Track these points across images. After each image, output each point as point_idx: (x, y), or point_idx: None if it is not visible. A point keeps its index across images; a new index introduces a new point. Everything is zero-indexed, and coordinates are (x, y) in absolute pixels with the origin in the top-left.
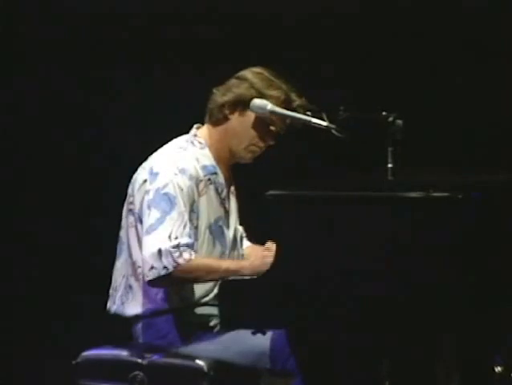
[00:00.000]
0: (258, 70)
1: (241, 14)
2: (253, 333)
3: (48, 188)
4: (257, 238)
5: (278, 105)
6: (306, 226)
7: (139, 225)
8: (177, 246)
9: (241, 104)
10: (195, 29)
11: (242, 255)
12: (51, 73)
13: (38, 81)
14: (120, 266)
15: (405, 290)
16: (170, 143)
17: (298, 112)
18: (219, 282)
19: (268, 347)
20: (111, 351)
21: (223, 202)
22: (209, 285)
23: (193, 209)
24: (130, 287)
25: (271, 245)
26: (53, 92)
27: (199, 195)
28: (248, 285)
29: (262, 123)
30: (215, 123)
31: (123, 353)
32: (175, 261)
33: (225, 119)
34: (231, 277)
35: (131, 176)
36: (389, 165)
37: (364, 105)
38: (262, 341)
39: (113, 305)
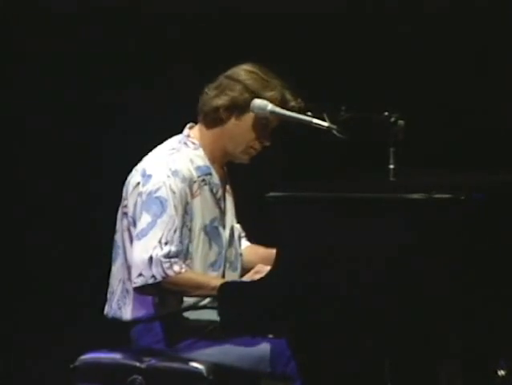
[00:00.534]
0: (250, 68)
1: (239, 13)
2: (254, 336)
3: (47, 189)
4: (257, 240)
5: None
6: (306, 228)
7: (132, 229)
8: (168, 256)
9: (237, 108)
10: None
11: (240, 254)
12: (51, 73)
13: (37, 81)
14: (116, 271)
15: (406, 292)
16: (163, 145)
17: (294, 111)
18: None
19: (268, 351)
20: (110, 355)
21: (218, 202)
22: None
23: (186, 211)
24: (127, 291)
25: (261, 267)
26: (51, 92)
27: (193, 196)
28: (248, 288)
29: (259, 125)
30: (209, 125)
31: (122, 356)
32: (164, 271)
33: (221, 121)
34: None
35: (126, 179)
36: (391, 166)
37: (366, 105)
38: (263, 345)
39: (110, 310)
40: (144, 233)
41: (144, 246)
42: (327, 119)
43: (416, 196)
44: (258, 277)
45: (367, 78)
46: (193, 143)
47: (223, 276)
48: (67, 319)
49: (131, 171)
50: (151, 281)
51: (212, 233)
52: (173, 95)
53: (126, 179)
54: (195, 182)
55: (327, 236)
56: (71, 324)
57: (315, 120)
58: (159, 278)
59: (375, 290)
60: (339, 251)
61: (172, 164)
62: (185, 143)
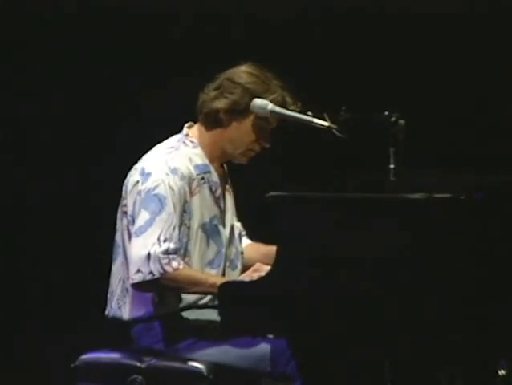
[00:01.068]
0: (251, 70)
1: (240, 12)
2: (254, 336)
3: (47, 189)
4: (258, 239)
5: None
6: (306, 227)
7: (131, 227)
8: (167, 252)
9: (238, 112)
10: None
11: (242, 252)
12: (51, 74)
13: (37, 82)
14: (116, 270)
15: (406, 292)
16: (162, 144)
17: (295, 112)
18: None
19: (268, 350)
20: (110, 355)
21: (217, 201)
22: None
23: (184, 210)
24: (127, 290)
25: (260, 266)
26: (51, 92)
27: (191, 194)
28: (248, 287)
29: (259, 127)
30: (209, 125)
31: (122, 356)
32: (162, 268)
33: (221, 124)
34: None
35: (125, 177)
36: (391, 166)
37: (366, 105)
38: (263, 344)
39: (111, 310)
40: (142, 230)
41: (143, 243)
42: (327, 119)
43: (416, 195)
44: (256, 275)
45: (367, 78)
46: (192, 142)
47: (223, 274)
48: (68, 319)
49: (130, 170)
50: (149, 277)
51: (211, 231)
52: (173, 94)
53: (125, 178)
54: (194, 180)
55: (327, 236)
56: (72, 324)
57: (316, 120)
58: (157, 275)
59: (375, 291)
60: (339, 251)
61: (171, 162)
62: (184, 142)
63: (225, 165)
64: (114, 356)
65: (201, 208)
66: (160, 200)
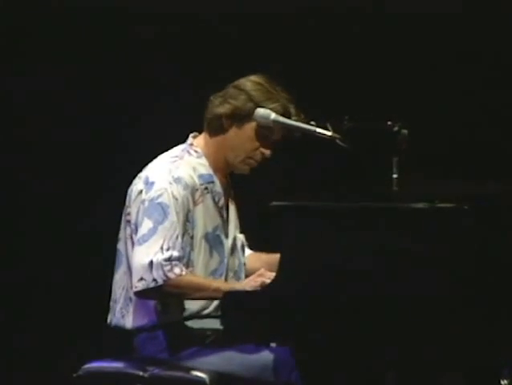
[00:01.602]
0: (257, 79)
1: (241, 22)
2: (257, 345)
3: (49, 197)
4: (260, 249)
5: None
6: (309, 237)
7: (134, 236)
8: (169, 260)
9: (239, 117)
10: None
11: (244, 264)
12: (52, 74)
13: (38, 82)
14: (119, 278)
15: (408, 302)
16: (166, 153)
17: (298, 122)
18: None
19: (272, 360)
20: (113, 364)
21: (220, 211)
22: None
23: (188, 219)
24: (130, 299)
25: (264, 272)
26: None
27: (195, 204)
28: (250, 297)
29: (260, 135)
30: (212, 133)
31: (125, 365)
32: (165, 274)
33: (223, 130)
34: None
35: (129, 186)
36: (394, 176)
37: (369, 115)
38: (266, 353)
39: (113, 318)
40: (145, 239)
41: (145, 251)
42: (330, 129)
43: (419, 205)
44: (260, 280)
45: (370, 87)
46: (196, 152)
47: None
48: (70, 328)
49: (134, 179)
50: (152, 284)
51: (213, 241)
52: (179, 103)
53: (129, 187)
54: (197, 190)
55: (329, 245)
56: (74, 333)
57: (319, 130)
58: (160, 282)
59: (377, 300)
60: (341, 260)
61: (175, 172)
62: (188, 152)
63: (228, 176)
64: (117, 365)
65: (205, 218)
66: (164, 209)
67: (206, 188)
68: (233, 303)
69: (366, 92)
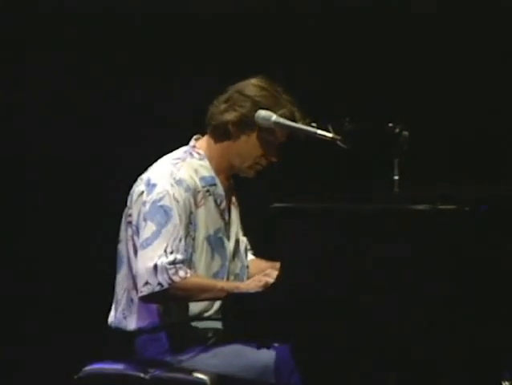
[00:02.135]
0: (261, 83)
1: (244, 20)
2: (258, 347)
3: (48, 198)
4: (262, 252)
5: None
6: (310, 239)
7: (136, 238)
8: (173, 263)
9: (247, 125)
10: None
11: (247, 266)
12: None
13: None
14: (121, 280)
15: (408, 304)
16: (169, 155)
17: (299, 123)
18: None
19: (272, 361)
20: (114, 366)
21: (222, 213)
22: None
23: (190, 221)
24: (131, 301)
25: (270, 272)
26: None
27: (197, 206)
28: (252, 299)
29: (266, 141)
30: (218, 138)
31: (126, 367)
32: (170, 278)
33: (229, 136)
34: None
35: (130, 188)
36: (395, 177)
37: (370, 116)
38: (267, 355)
39: (115, 320)
40: (148, 242)
41: (149, 255)
42: (331, 130)
43: (420, 207)
44: (265, 279)
45: (371, 89)
46: (199, 154)
47: None
48: (71, 330)
49: (136, 180)
50: (158, 288)
51: (216, 243)
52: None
53: (131, 188)
54: (199, 192)
55: (329, 247)
56: (75, 334)
57: (320, 131)
58: (165, 285)
59: (377, 302)
60: (342, 263)
61: (177, 174)
62: (191, 154)
63: (231, 179)
64: (118, 367)
65: (206, 220)
66: (166, 212)
67: (208, 191)
68: (234, 305)
69: (367, 94)
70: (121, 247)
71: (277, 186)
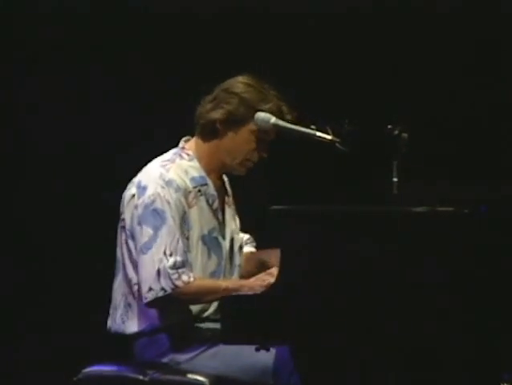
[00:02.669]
0: (247, 80)
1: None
2: (257, 349)
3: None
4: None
5: None
6: (308, 240)
7: (130, 242)
8: (175, 266)
9: (234, 122)
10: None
11: (239, 266)
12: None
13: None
14: (118, 285)
15: (407, 305)
16: (159, 157)
17: (295, 123)
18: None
19: (271, 363)
20: (113, 368)
21: (215, 213)
22: None
23: (184, 221)
24: (129, 305)
25: (274, 271)
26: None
27: (189, 206)
28: (250, 299)
29: (256, 137)
30: (206, 137)
31: (125, 370)
32: (173, 283)
33: (218, 134)
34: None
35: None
36: (394, 179)
37: (369, 118)
38: (265, 357)
39: (114, 324)
40: (148, 247)
41: (150, 260)
42: (330, 132)
43: (419, 209)
44: (267, 279)
45: (370, 90)
46: (188, 155)
47: None
48: (71, 332)
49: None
50: (161, 293)
51: (211, 243)
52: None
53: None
54: (190, 192)
55: (328, 249)
56: (74, 336)
57: (319, 133)
58: (169, 290)
59: (377, 303)
60: (341, 264)
61: (166, 175)
62: (180, 155)
63: (225, 178)
64: (117, 370)
65: (200, 220)
66: (159, 215)
67: (200, 191)
68: (232, 306)
69: (366, 96)
70: (118, 252)
71: (276, 188)
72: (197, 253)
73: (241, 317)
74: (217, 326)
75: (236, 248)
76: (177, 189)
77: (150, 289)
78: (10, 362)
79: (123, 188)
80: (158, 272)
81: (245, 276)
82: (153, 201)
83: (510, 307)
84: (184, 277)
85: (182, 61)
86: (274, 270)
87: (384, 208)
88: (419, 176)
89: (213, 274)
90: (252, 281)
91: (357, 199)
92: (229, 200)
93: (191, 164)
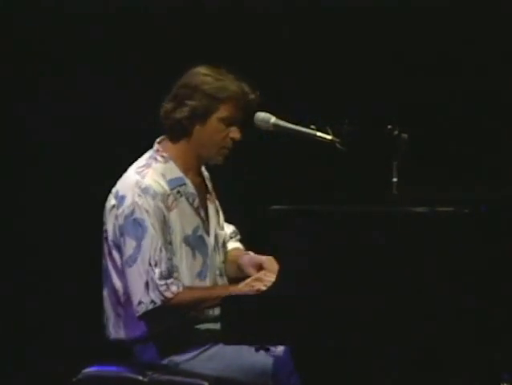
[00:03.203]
0: (203, 70)
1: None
2: (257, 350)
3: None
4: (261, 251)
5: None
6: (308, 241)
7: (114, 252)
8: (162, 277)
9: (200, 116)
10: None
11: (223, 262)
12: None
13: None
14: (107, 295)
15: (408, 304)
16: (134, 164)
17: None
18: None
19: (270, 364)
20: (112, 369)
21: (198, 211)
22: None
23: (165, 225)
24: (119, 315)
25: (263, 276)
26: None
27: (169, 210)
28: (250, 300)
29: (225, 124)
30: (176, 137)
31: (125, 370)
32: (162, 294)
33: (187, 132)
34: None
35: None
36: (394, 179)
37: (369, 118)
38: (265, 358)
39: (110, 334)
40: (133, 259)
41: (137, 273)
42: (330, 132)
43: (419, 209)
44: (256, 285)
45: (370, 90)
46: (163, 157)
47: (214, 284)
48: (69, 333)
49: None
50: (151, 306)
51: (195, 242)
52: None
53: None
54: (169, 195)
55: (328, 249)
56: (74, 337)
57: (319, 133)
58: (159, 302)
59: (377, 303)
60: (341, 264)
61: (142, 182)
62: (155, 158)
63: (205, 173)
64: (116, 370)
65: (181, 221)
66: (140, 224)
67: (179, 192)
68: (232, 307)
69: (366, 96)
70: (103, 263)
71: (275, 188)
72: (182, 255)
73: (241, 317)
74: (216, 326)
75: (220, 243)
76: (154, 196)
77: (140, 302)
78: (10, 362)
79: None
80: (146, 284)
81: (232, 276)
82: (133, 211)
83: (510, 307)
84: (173, 288)
85: (182, 61)
86: (263, 275)
87: (384, 208)
88: (419, 176)
89: (200, 274)
90: (242, 286)
91: (357, 199)
92: (211, 196)
93: (167, 165)
